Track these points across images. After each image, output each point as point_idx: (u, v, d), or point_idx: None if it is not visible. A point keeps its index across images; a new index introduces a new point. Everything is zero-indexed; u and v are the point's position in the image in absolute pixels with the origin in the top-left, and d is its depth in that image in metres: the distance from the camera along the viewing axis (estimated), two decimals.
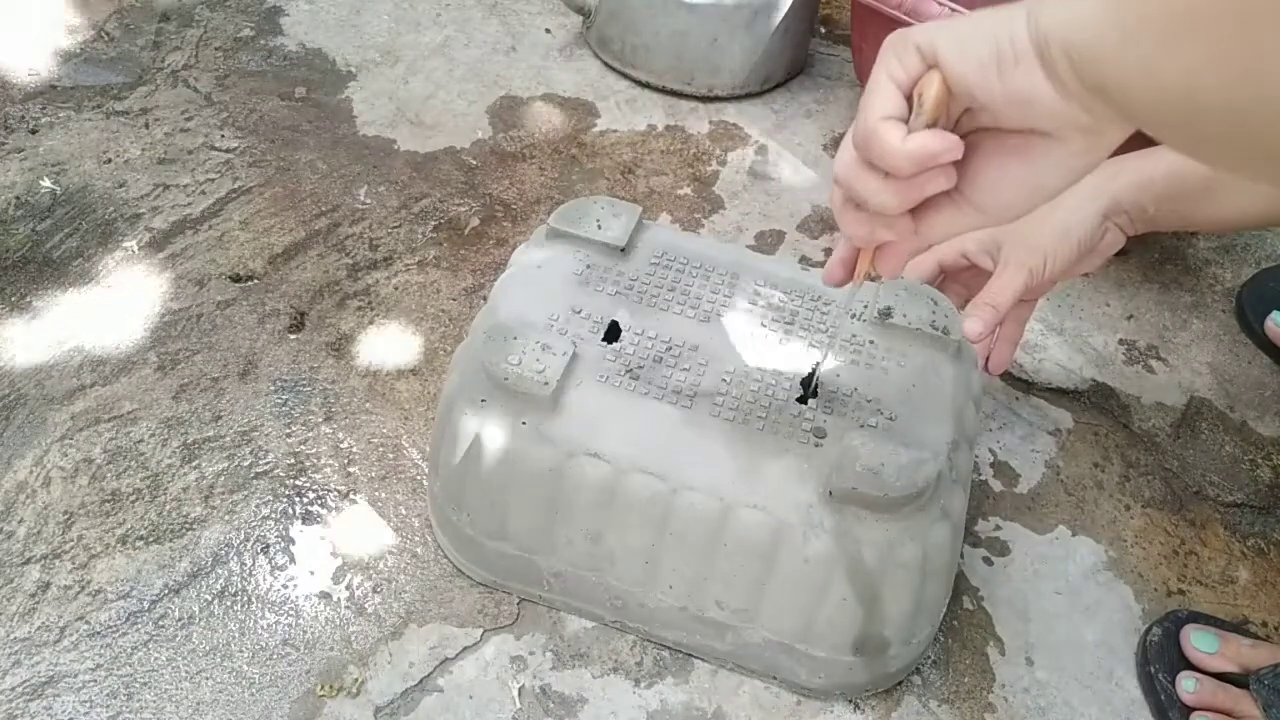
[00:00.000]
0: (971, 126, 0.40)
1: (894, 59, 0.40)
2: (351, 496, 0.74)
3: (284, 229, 0.93)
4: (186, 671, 0.64)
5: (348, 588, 0.69)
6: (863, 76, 1.09)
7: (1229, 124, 0.31)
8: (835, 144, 1.09)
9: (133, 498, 0.72)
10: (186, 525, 0.71)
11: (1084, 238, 0.68)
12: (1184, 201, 0.68)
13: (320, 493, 0.74)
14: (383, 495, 0.74)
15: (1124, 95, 0.34)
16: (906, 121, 0.39)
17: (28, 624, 0.65)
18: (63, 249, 0.89)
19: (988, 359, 0.76)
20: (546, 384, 0.58)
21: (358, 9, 1.20)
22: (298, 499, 0.73)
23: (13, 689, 0.62)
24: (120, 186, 0.95)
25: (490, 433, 0.60)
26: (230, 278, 0.88)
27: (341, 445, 0.77)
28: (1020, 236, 0.69)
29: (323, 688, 0.64)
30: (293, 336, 0.84)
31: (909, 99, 0.39)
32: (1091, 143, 0.38)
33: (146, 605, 0.67)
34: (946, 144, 0.38)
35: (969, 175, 0.41)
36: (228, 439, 0.76)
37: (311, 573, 0.69)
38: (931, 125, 0.39)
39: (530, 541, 0.64)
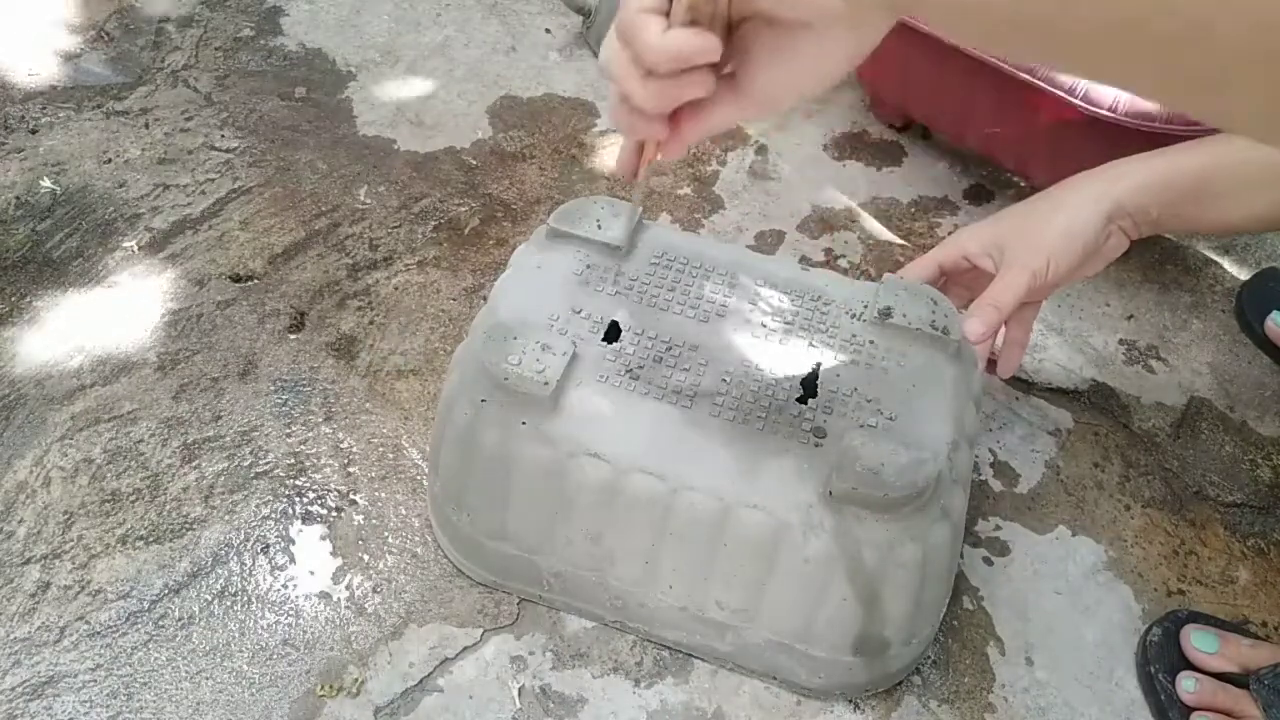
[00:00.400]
0: (743, 12, 0.39)
1: None
2: (351, 496, 0.74)
3: (284, 229, 0.93)
4: (186, 671, 0.64)
5: (348, 588, 0.69)
6: (863, 77, 1.09)
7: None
8: (835, 144, 1.09)
9: (133, 498, 0.72)
10: (186, 525, 0.71)
11: (1088, 240, 0.68)
12: (1188, 205, 0.68)
13: (320, 493, 0.74)
14: (383, 495, 0.74)
15: None
16: (669, 16, 0.37)
17: (28, 624, 0.65)
18: (63, 249, 0.89)
19: (994, 363, 0.76)
20: (546, 384, 0.58)
21: (358, 9, 1.20)
22: (298, 499, 0.73)
23: (13, 689, 0.62)
24: (120, 186, 0.95)
25: (490, 433, 0.60)
26: (230, 278, 0.88)
27: (341, 445, 0.77)
28: (1023, 238, 0.69)
29: (323, 688, 0.64)
30: (293, 336, 0.84)
31: None
32: (853, 34, 0.37)
33: (146, 605, 0.67)
34: (703, 43, 0.37)
35: (742, 65, 0.40)
36: (228, 439, 0.76)
37: (311, 573, 0.69)
38: (695, 19, 0.37)
39: (530, 541, 0.64)
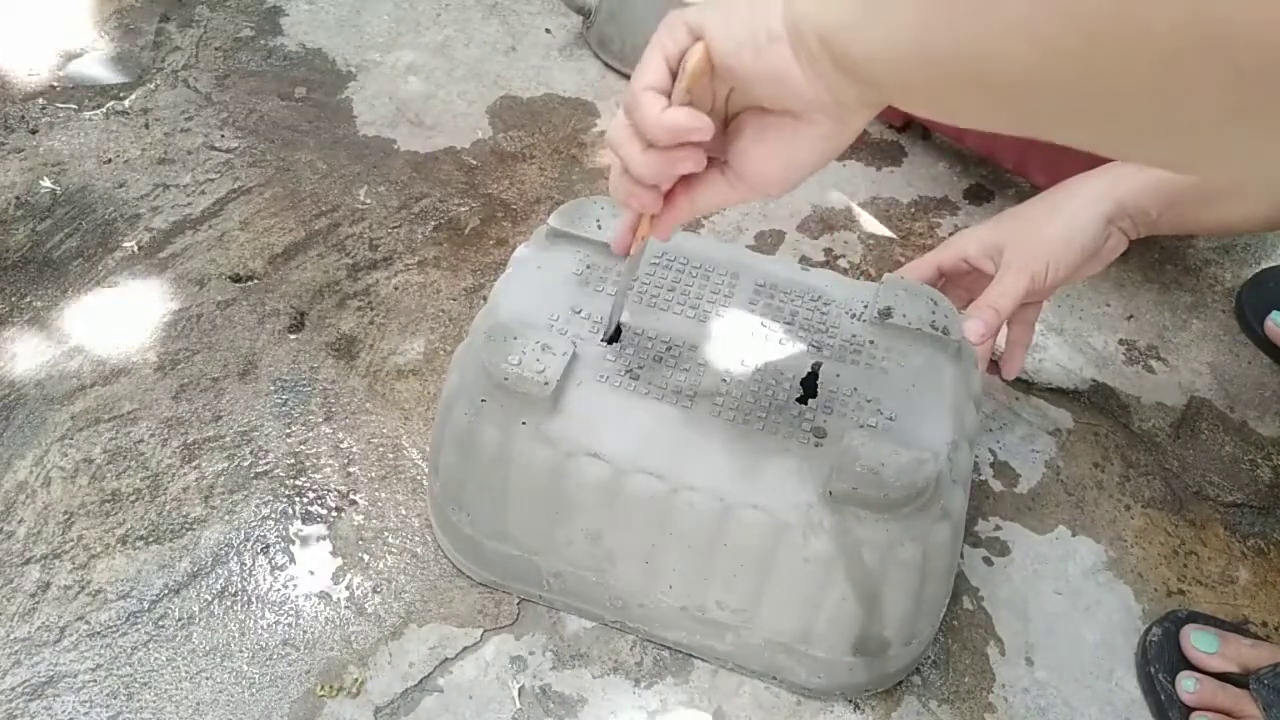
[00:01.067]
0: (738, 105, 0.43)
1: (666, 33, 0.42)
2: (351, 496, 0.74)
3: (284, 229, 0.93)
4: (186, 671, 0.64)
5: (348, 588, 0.69)
6: None
7: (964, 71, 0.33)
8: None
9: (133, 498, 0.72)
10: (186, 525, 0.71)
11: (1087, 243, 0.68)
12: (1187, 206, 0.68)
13: (320, 493, 0.74)
14: (383, 495, 0.74)
15: (870, 65, 0.36)
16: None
17: (28, 624, 0.65)
18: (63, 249, 0.89)
19: (997, 363, 0.76)
20: (546, 384, 0.58)
21: (358, 9, 1.20)
22: (298, 499, 0.73)
23: (13, 689, 0.62)
24: (120, 186, 0.95)
25: (490, 433, 0.60)
26: (230, 278, 0.88)
27: (341, 445, 0.77)
28: (1023, 241, 0.69)
29: (323, 688, 0.64)
30: (293, 336, 0.84)
31: (675, 73, 0.42)
32: (837, 125, 0.40)
33: (146, 605, 0.67)
34: (697, 122, 0.41)
35: (736, 150, 0.44)
36: (228, 439, 0.76)
37: (311, 573, 0.69)
38: (691, 97, 0.41)
39: (530, 541, 0.64)
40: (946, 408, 0.61)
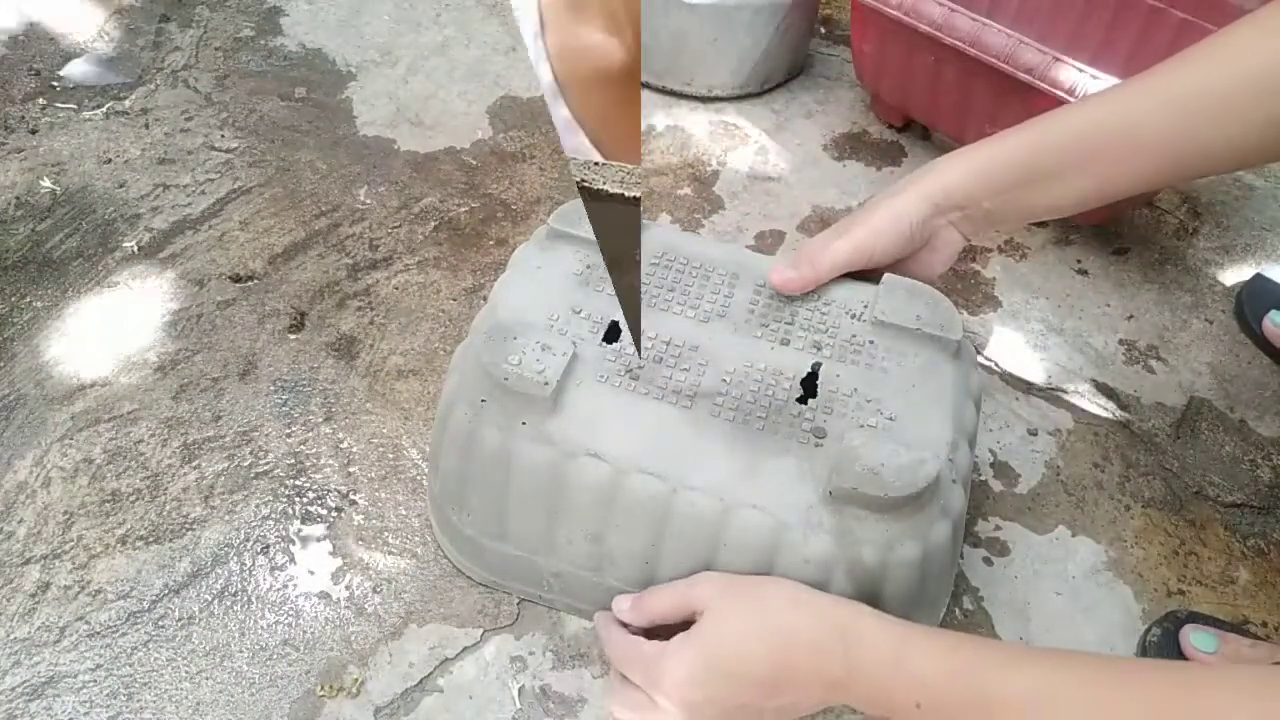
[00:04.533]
0: None
1: None
2: (351, 496, 0.74)
3: (284, 229, 0.93)
4: (186, 671, 0.64)
5: (347, 588, 0.69)
6: (863, 77, 1.09)
7: None
8: (835, 144, 1.09)
9: (133, 498, 0.72)
10: (186, 525, 0.71)
11: (914, 223, 0.65)
12: (1017, 191, 0.65)
13: (320, 493, 0.74)
14: (383, 495, 0.74)
15: None
16: None
17: (28, 624, 0.65)
18: (63, 249, 0.89)
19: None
20: (546, 384, 0.58)
21: (358, 9, 1.20)
22: (298, 499, 0.73)
23: (13, 689, 0.62)
24: (120, 186, 0.95)
25: (490, 433, 0.60)
26: (230, 278, 0.88)
27: (341, 445, 0.77)
28: (858, 218, 0.67)
29: (323, 688, 0.64)
30: (293, 336, 0.84)
31: None
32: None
33: (146, 605, 0.67)
34: None
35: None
36: (228, 439, 0.76)
37: (311, 573, 0.69)
38: None
39: (530, 541, 0.64)
40: (946, 408, 0.61)
